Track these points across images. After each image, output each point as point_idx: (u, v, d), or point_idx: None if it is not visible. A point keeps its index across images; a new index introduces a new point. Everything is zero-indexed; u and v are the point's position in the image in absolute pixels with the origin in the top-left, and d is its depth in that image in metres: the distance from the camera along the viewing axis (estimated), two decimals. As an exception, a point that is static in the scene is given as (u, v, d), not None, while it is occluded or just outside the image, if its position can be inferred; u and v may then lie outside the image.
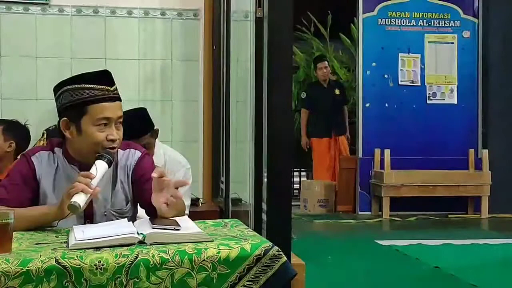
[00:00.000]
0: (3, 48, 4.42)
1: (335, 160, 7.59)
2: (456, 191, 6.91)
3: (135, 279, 1.62)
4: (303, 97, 7.79)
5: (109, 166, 2.07)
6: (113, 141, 2.09)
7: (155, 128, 3.28)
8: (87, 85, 2.08)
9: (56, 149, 2.18)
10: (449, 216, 6.92)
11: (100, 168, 2.01)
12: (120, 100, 2.14)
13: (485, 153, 6.94)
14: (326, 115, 7.51)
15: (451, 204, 7.01)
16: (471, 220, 6.85)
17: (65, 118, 2.11)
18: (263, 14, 2.74)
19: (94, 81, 2.09)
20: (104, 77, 2.12)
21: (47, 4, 4.45)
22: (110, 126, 2.09)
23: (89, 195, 1.93)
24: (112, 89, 2.11)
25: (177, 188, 1.95)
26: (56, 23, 4.47)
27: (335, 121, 7.62)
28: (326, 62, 7.77)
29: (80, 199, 1.90)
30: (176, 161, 3.38)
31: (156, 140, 3.32)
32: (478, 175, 6.96)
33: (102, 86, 2.08)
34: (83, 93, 2.07)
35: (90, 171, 1.99)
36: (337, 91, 7.72)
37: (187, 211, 3.03)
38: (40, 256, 1.61)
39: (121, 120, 2.13)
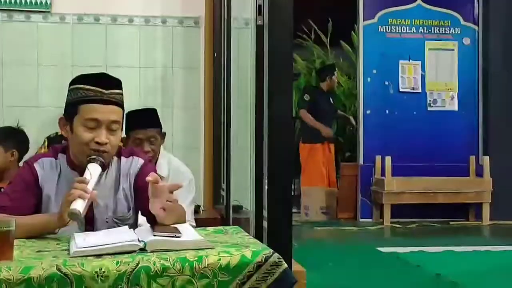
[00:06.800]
0: (4, 56, 4.43)
1: (328, 166, 7.50)
2: (457, 197, 6.90)
3: (136, 286, 1.62)
4: (306, 99, 7.45)
5: (103, 169, 2.07)
6: (100, 144, 2.07)
7: (162, 130, 3.33)
8: (82, 86, 2.10)
9: (60, 155, 2.18)
10: (450, 223, 6.92)
11: (93, 171, 2.01)
12: (117, 105, 2.12)
13: (486, 160, 6.93)
14: (324, 121, 7.39)
15: (452, 211, 7.01)
16: (473, 227, 6.84)
17: (62, 116, 2.15)
18: (263, 22, 2.74)
19: (90, 82, 2.10)
20: (101, 80, 2.12)
21: (48, 12, 4.46)
22: (100, 128, 2.07)
23: (87, 200, 1.93)
24: (107, 92, 2.09)
25: (171, 192, 1.95)
26: (57, 31, 4.48)
27: (329, 127, 7.56)
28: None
29: (79, 206, 1.90)
30: (180, 172, 3.39)
31: (162, 148, 3.34)
32: (479, 181, 6.95)
33: (96, 88, 2.08)
34: (77, 93, 2.10)
35: (84, 175, 1.99)
36: (331, 99, 7.70)
37: (193, 223, 3.03)
38: (42, 263, 1.61)
39: (116, 125, 2.11)
